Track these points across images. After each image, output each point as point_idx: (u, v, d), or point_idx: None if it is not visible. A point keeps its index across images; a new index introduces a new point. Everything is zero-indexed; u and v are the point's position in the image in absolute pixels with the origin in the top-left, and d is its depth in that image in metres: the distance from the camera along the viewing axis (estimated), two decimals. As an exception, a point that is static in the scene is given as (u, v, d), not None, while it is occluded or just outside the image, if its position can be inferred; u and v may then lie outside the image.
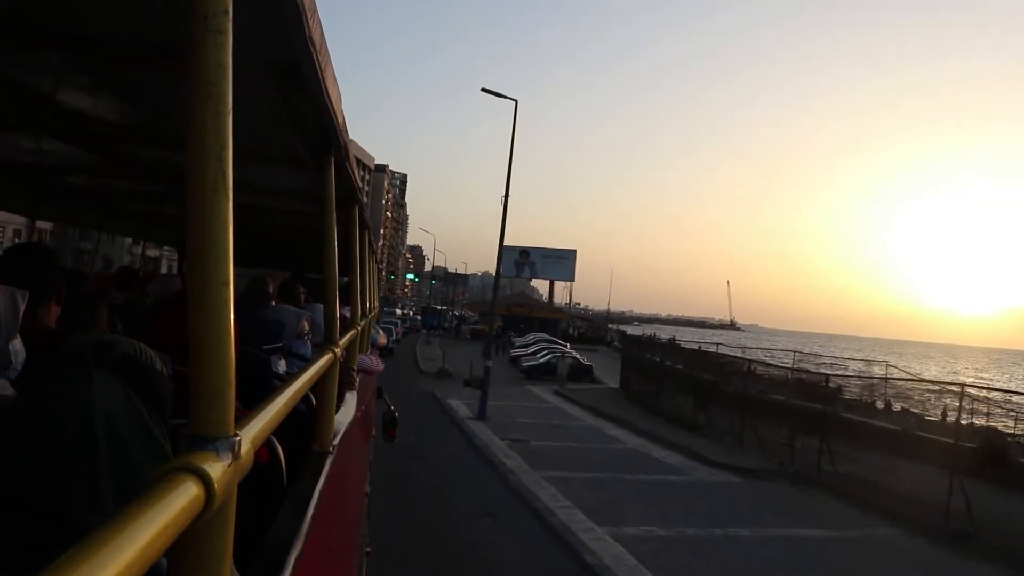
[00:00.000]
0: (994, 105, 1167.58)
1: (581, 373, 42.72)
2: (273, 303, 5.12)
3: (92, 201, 6.92)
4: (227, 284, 1.04)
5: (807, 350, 57.52)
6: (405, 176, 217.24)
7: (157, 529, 0.76)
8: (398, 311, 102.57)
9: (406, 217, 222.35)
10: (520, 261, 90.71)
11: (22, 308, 1.74)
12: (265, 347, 4.17)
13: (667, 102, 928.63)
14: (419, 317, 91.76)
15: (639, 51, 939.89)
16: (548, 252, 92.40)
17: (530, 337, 67.84)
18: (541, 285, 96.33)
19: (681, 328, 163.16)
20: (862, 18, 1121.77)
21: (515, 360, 50.38)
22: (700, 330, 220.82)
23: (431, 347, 58.13)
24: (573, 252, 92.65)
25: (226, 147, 1.02)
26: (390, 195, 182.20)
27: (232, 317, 1.06)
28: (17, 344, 1.73)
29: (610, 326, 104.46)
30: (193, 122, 1.01)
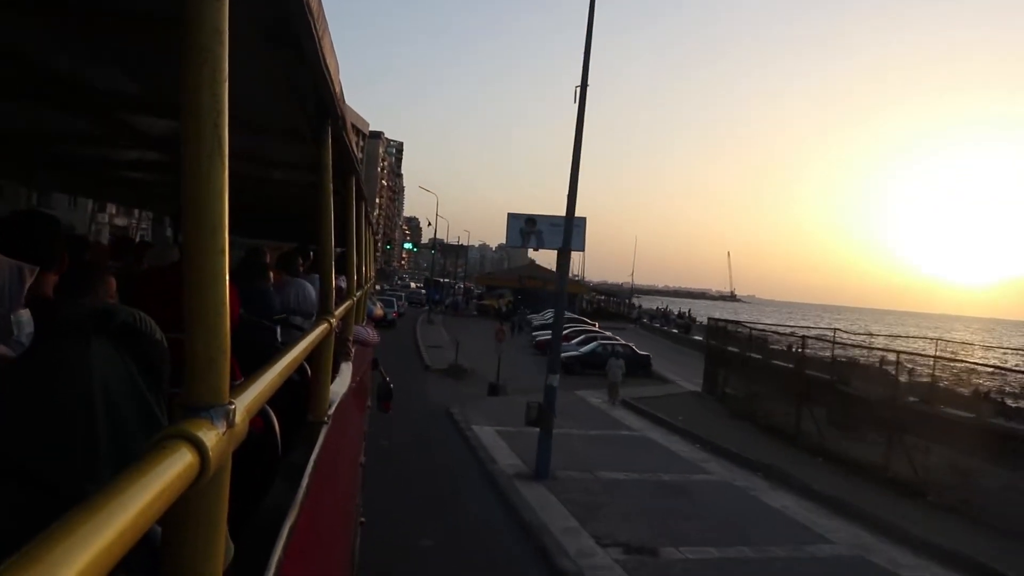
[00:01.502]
0: (997, 76, 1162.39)
1: (636, 366, 32.10)
2: (271, 274, 5.12)
3: (89, 170, 6.88)
4: (223, 253, 1.04)
5: (882, 330, 47.12)
6: (401, 144, 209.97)
7: (151, 496, 0.76)
8: (412, 284, 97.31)
9: (402, 188, 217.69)
10: (526, 230, 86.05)
11: (28, 282, 1.74)
12: (275, 317, 4.20)
13: (669, 74, 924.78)
14: (423, 290, 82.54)
15: (632, 26, 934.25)
16: (556, 220, 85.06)
17: (548, 314, 55.26)
18: (540, 258, 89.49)
19: (682, 300, 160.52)
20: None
21: (542, 347, 37.74)
22: (703, 302, 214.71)
23: (434, 328, 48.84)
24: (583, 221, 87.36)
25: (222, 114, 1.01)
26: (386, 163, 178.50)
27: (227, 286, 1.06)
28: (24, 315, 1.73)
29: (634, 301, 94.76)
30: (188, 89, 1.00)
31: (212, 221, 1.02)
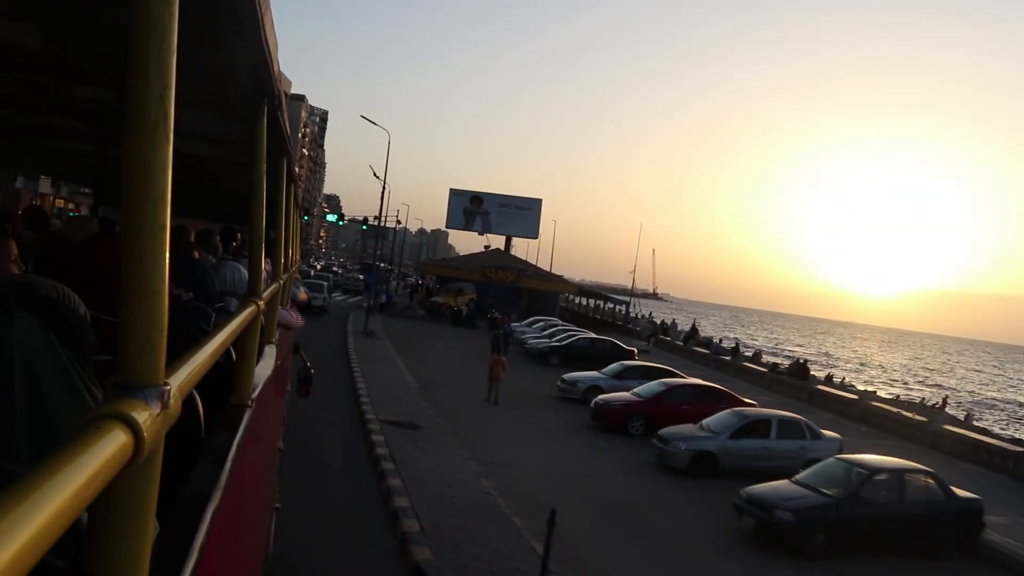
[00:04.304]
0: (905, 91, 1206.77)
1: (954, 529, 13.61)
2: (196, 254, 5.03)
3: (3, 136, 6.58)
4: (164, 229, 1.01)
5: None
6: (326, 113, 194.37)
7: (84, 478, 0.74)
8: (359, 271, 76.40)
9: (325, 163, 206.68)
10: (470, 209, 68.61)
11: None
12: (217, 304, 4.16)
13: (592, 70, 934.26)
14: (361, 276, 65.50)
15: (570, 17, 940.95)
16: (506, 200, 69.63)
17: (539, 324, 41.66)
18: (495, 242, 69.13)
19: (605, 298, 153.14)
20: (777, 3, 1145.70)
21: (610, 419, 20.04)
22: (639, 300, 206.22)
23: (379, 347, 29.94)
24: (538, 202, 69.62)
25: (169, 86, 0.99)
26: (308, 130, 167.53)
27: (167, 263, 1.03)
28: None
29: (641, 309, 72.49)
30: (135, 59, 0.97)
31: (154, 195, 0.99)
